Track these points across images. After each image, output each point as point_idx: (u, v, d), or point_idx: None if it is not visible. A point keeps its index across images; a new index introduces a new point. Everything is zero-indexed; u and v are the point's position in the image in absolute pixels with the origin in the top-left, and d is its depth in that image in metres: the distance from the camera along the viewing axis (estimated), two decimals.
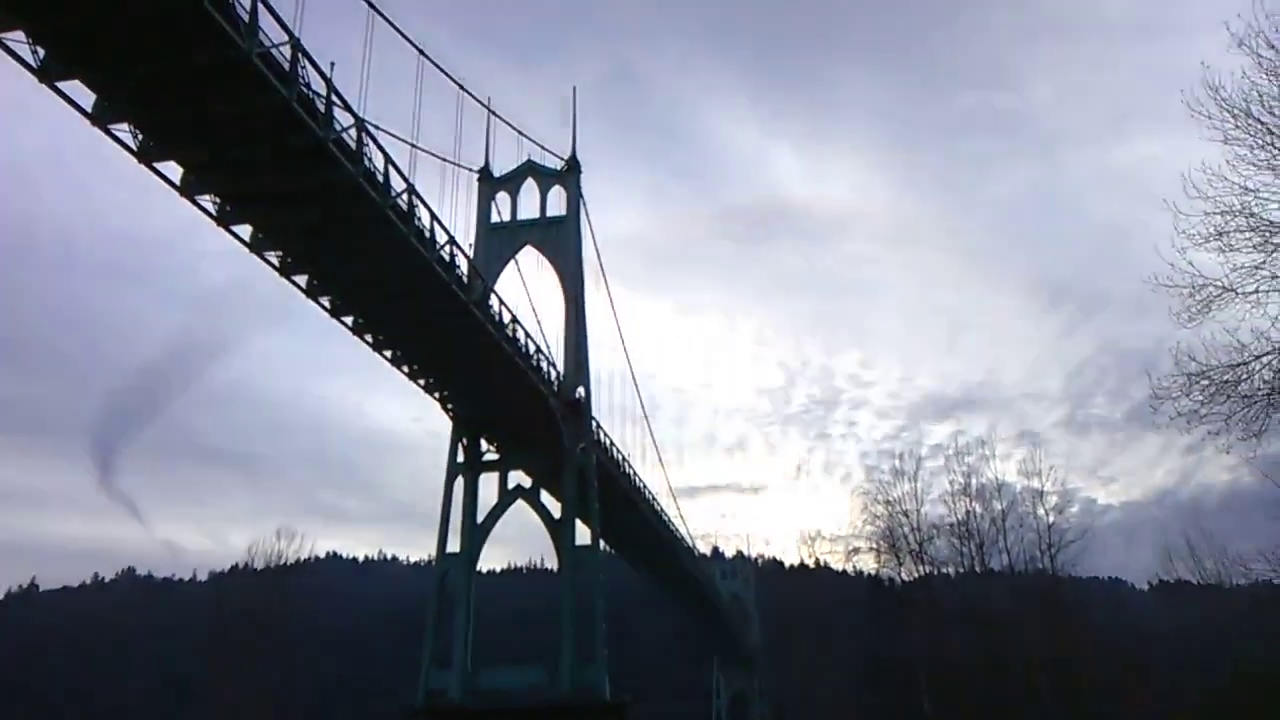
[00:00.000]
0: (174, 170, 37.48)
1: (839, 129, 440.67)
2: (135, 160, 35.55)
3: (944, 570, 60.80)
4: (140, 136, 35.29)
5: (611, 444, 75.81)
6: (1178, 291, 23.53)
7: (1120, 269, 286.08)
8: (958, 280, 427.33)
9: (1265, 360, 22.84)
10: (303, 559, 64.06)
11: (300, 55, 34.13)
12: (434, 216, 46.19)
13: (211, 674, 51.91)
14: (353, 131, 38.16)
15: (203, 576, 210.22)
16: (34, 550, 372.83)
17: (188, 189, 38.13)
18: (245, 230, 41.86)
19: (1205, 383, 23.15)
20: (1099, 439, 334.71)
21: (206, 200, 39.38)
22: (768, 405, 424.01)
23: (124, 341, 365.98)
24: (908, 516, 59.27)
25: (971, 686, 53.01)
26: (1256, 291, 23.03)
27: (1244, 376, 22.94)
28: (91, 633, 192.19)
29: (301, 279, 46.02)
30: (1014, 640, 55.89)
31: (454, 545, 65.20)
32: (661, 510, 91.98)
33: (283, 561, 56.14)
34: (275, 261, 44.09)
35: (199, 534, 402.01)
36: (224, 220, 40.35)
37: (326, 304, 48.30)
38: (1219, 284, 23.21)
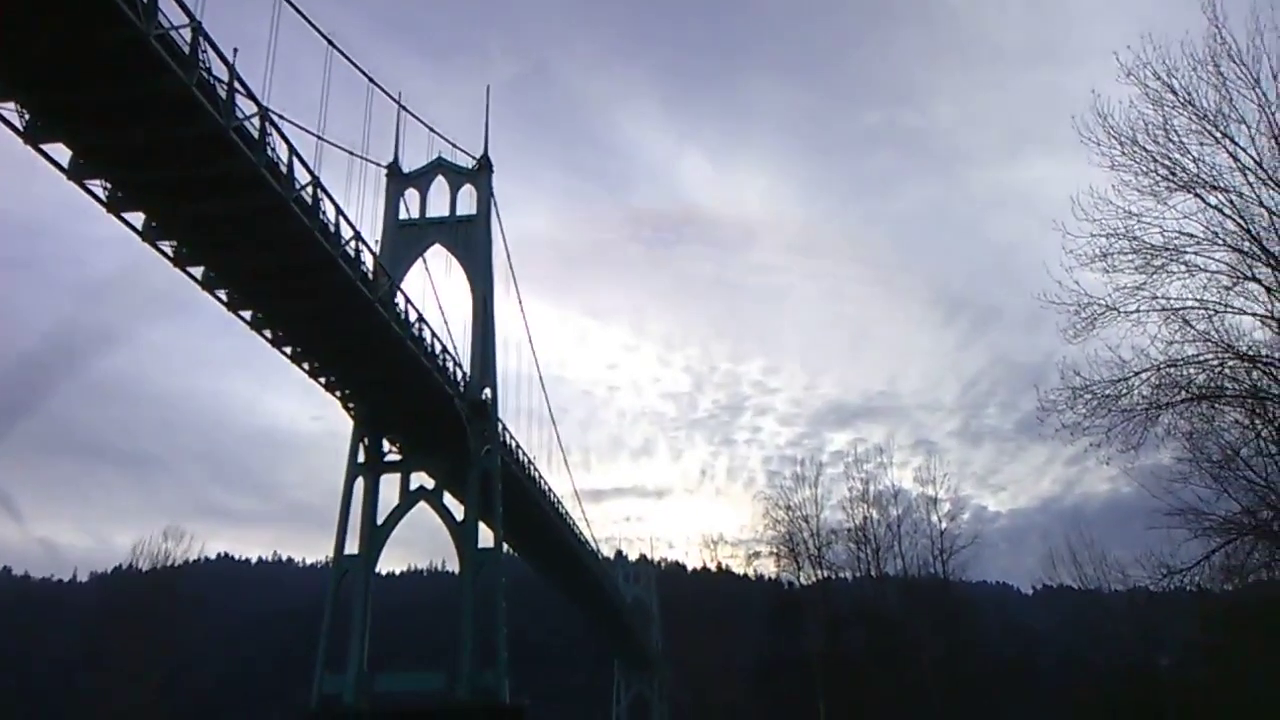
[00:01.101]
0: (63, 153, 35.83)
1: (750, 139, 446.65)
2: (21, 141, 33.85)
3: (841, 574, 62.60)
4: (27, 117, 33.63)
5: (517, 446, 75.30)
6: (1065, 309, 24.77)
7: (1013, 285, 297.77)
8: (861, 292, 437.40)
9: (1144, 376, 24.17)
10: (191, 560, 61.84)
11: (201, 39, 32.95)
12: (339, 211, 45.15)
13: (95, 677, 49.58)
14: (256, 120, 37.08)
15: (84, 577, 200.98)
16: None
17: (77, 173, 36.37)
18: (138, 218, 40.20)
19: (1088, 396, 24.36)
20: (990, 448, 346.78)
21: (97, 185, 37.71)
22: (674, 410, 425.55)
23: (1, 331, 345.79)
24: (807, 522, 60.84)
25: (865, 685, 54.50)
26: (1138, 311, 24.38)
27: (1124, 391, 24.23)
28: None
29: (197, 271, 44.28)
30: (906, 641, 57.85)
31: (352, 547, 63.74)
32: (566, 513, 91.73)
33: (170, 562, 54.09)
34: (170, 252, 42.41)
35: (81, 533, 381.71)
36: (115, 207, 38.63)
37: (224, 297, 46.66)
38: (1103, 303, 24.50)
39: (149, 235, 40.79)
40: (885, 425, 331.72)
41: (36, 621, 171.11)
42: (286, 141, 39.68)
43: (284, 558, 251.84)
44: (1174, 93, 23.67)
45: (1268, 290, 23.78)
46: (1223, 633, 31.14)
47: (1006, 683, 62.65)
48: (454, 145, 71.90)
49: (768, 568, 64.87)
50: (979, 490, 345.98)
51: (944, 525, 60.62)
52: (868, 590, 61.85)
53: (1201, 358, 24.04)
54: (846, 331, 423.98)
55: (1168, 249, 23.91)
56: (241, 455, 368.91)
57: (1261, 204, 23.45)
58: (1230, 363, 24.00)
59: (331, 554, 64.47)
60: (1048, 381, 25.63)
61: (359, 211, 54.56)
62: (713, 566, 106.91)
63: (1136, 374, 24.17)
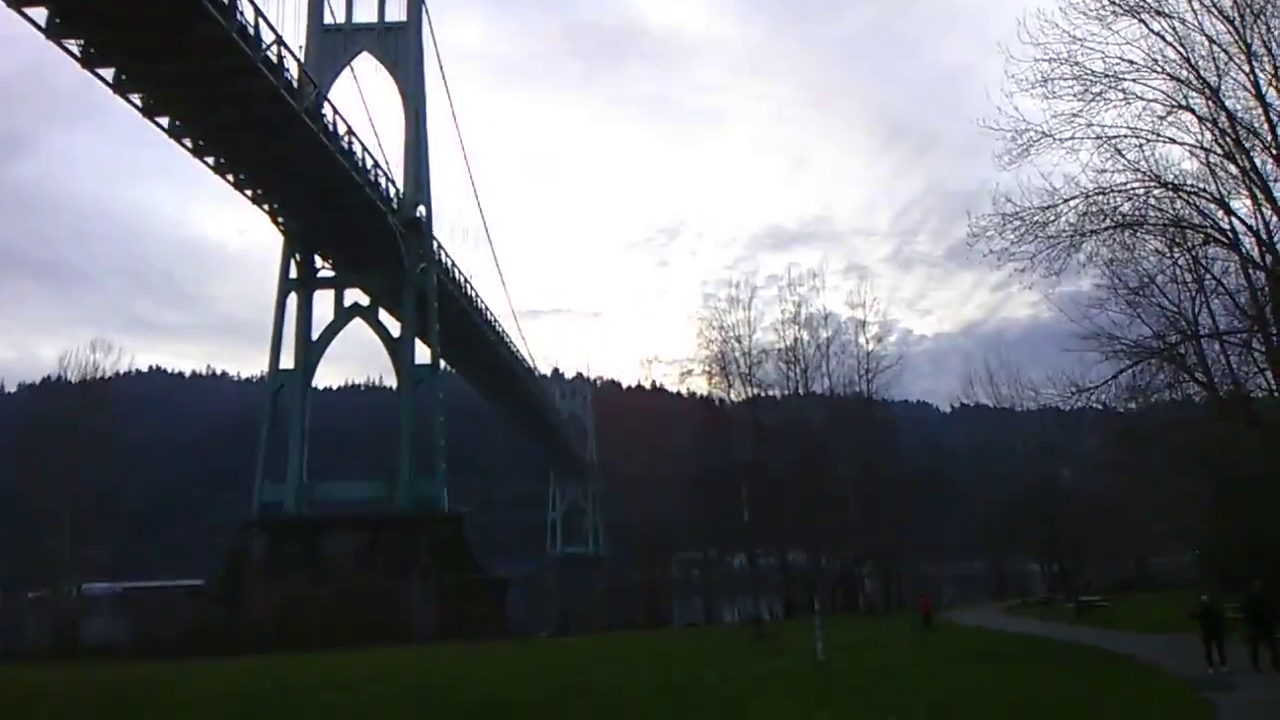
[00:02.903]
0: None
1: None
2: None
3: (770, 392, 64.74)
4: None
5: (452, 264, 74.49)
6: (1002, 135, 24.81)
7: (953, 111, 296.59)
8: (801, 115, 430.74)
9: (1072, 204, 24.67)
10: (122, 372, 61.17)
11: None
12: (259, 12, 42.35)
13: (28, 487, 49.65)
14: None
15: (11, 388, 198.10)
16: None
17: None
18: (40, 14, 37.14)
19: (1018, 223, 24.86)
20: (920, 274, 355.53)
21: None
22: (612, 230, 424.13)
23: None
24: (740, 342, 62.19)
25: (788, 494, 57.50)
26: (1072, 138, 24.59)
27: (1052, 219, 24.77)
28: None
29: (108, 73, 41.48)
30: (829, 454, 60.83)
31: (288, 362, 63.63)
32: (503, 331, 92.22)
33: (99, 374, 53.29)
34: (76, 51, 39.51)
35: (2, 345, 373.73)
36: (15, 1, 35.62)
37: (138, 102, 43.99)
38: (1040, 129, 24.61)
39: (53, 32, 37.83)
40: (820, 250, 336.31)
41: None
42: None
43: (218, 371, 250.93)
44: None
45: (1199, 120, 24.10)
46: (1121, 448, 33.27)
47: (920, 492, 66.68)
48: None
49: (700, 385, 66.80)
50: (906, 314, 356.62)
51: (870, 347, 62.73)
52: (795, 407, 64.29)
53: (1129, 186, 24.55)
54: (785, 155, 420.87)
55: (1108, 75, 23.90)
56: (166, 268, 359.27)
57: (1203, 31, 23.42)
58: (1156, 192, 24.58)
59: (267, 369, 64.41)
60: (980, 209, 26.15)
61: (279, 15, 50.89)
62: (647, 384, 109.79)
63: (1065, 201, 24.65)
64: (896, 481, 62.28)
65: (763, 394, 64.32)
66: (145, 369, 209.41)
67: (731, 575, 67.25)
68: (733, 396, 63.71)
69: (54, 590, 49.74)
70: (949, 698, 16.76)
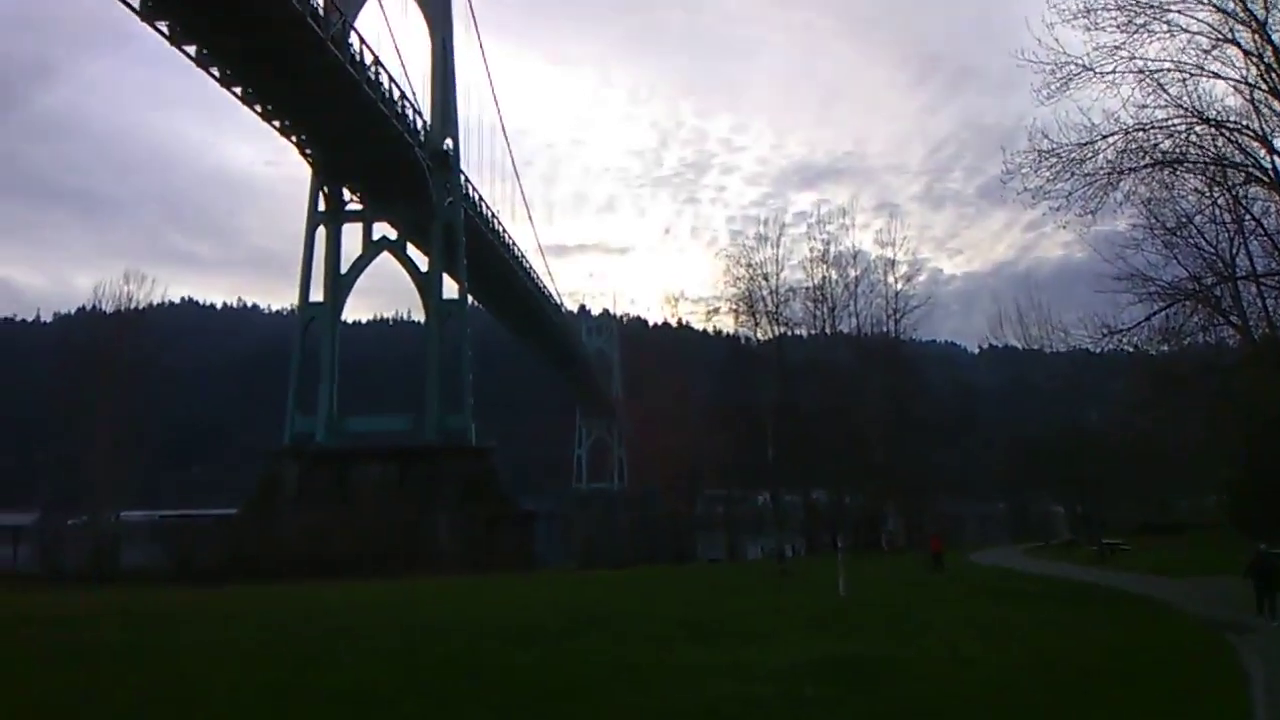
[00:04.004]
0: None
1: None
2: None
3: (797, 331, 64.46)
4: None
5: (480, 199, 74.26)
6: (1041, 68, 24.10)
7: (991, 44, 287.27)
8: (834, 47, 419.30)
9: (1111, 140, 24.00)
10: (155, 303, 61.96)
11: None
12: None
13: (64, 413, 50.81)
14: None
15: (47, 318, 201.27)
16: None
17: None
18: None
19: (1054, 160, 24.25)
20: (951, 212, 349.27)
21: None
22: (639, 166, 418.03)
23: None
24: (767, 280, 61.71)
25: (813, 433, 57.57)
26: (1113, 72, 23.82)
27: (1089, 155, 24.13)
28: None
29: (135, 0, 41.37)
30: (855, 393, 60.67)
31: (317, 295, 64.14)
32: (530, 267, 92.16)
33: (133, 304, 54.03)
34: None
35: (37, 274, 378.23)
36: None
37: (164, 29, 43.84)
38: (1080, 62, 23.85)
39: None
40: (850, 187, 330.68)
41: (4, 359, 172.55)
42: None
43: (248, 304, 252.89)
44: None
45: (1245, 54, 23.29)
46: (1151, 391, 32.89)
47: (946, 433, 66.51)
48: None
49: (726, 323, 66.59)
50: (936, 253, 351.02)
51: (899, 286, 62.06)
52: (821, 346, 64.04)
53: (1170, 122, 23.85)
54: (817, 89, 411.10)
55: (1152, 6, 23.08)
56: (197, 198, 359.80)
57: None
58: (1197, 128, 23.87)
59: (296, 301, 64.99)
60: (1015, 146, 25.55)
61: None
62: (673, 322, 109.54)
63: (1104, 138, 23.99)
64: (923, 421, 62.09)
65: (789, 333, 64.15)
66: (177, 300, 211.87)
67: (755, 513, 67.75)
68: (759, 335, 63.50)
69: (93, 517, 51.10)
70: (968, 635, 16.92)
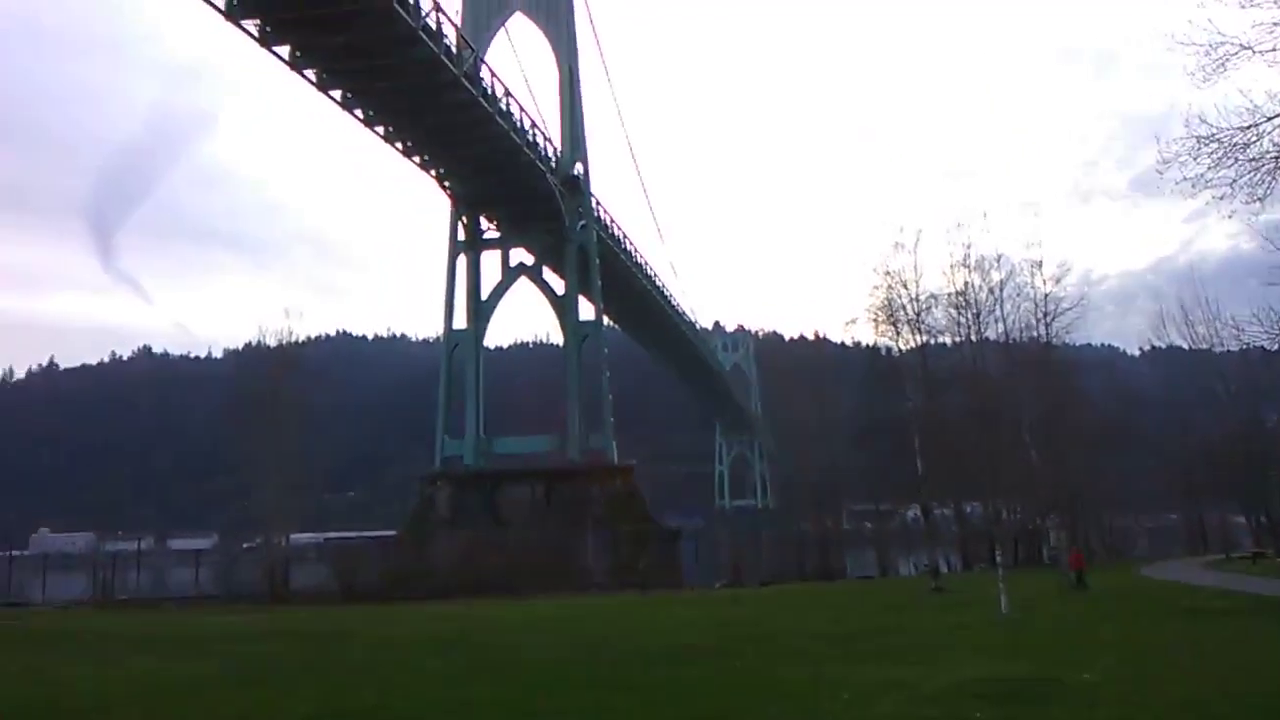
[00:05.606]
0: None
1: None
2: None
3: (940, 339, 62.22)
4: None
5: (611, 220, 75.42)
6: (1194, 50, 22.53)
7: (1134, 27, 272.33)
8: (969, 45, 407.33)
9: (1276, 122, 22.19)
10: (312, 336, 65.50)
11: None
12: None
13: (237, 444, 54.11)
14: None
15: (218, 354, 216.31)
16: (49, 330, 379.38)
17: None
18: None
19: (1214, 146, 22.54)
20: (1101, 207, 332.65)
21: None
22: (769, 177, 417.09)
23: (104, 116, 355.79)
24: (906, 288, 59.87)
25: (963, 444, 55.35)
26: (1275, 49, 22.05)
27: (1254, 139, 22.34)
28: (116, 408, 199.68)
29: (283, 50, 43.99)
30: (1006, 403, 57.98)
31: (460, 322, 66.39)
32: (662, 285, 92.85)
33: (294, 339, 57.11)
34: (254, 31, 42.01)
35: (206, 313, 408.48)
36: None
37: (311, 77, 46.47)
38: (1237, 41, 22.19)
39: (232, 15, 40.32)
40: (989, 187, 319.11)
41: (181, 393, 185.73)
42: None
43: (397, 333, 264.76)
44: None
45: None
46: None
47: (1108, 440, 62.75)
48: None
49: (866, 334, 65.13)
50: (1087, 252, 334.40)
51: (1048, 288, 59.08)
52: (968, 354, 61.66)
53: None
54: (950, 89, 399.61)
55: None
56: (345, 236, 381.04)
57: None
58: None
59: (441, 329, 67.39)
60: (1169, 133, 23.91)
61: None
62: (809, 334, 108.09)
63: (1269, 119, 22.16)
64: (1081, 429, 58.79)
65: (932, 341, 61.95)
66: (332, 333, 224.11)
67: (905, 528, 65.66)
68: (901, 345, 61.68)
69: (266, 540, 54.10)
70: (1150, 653, 15.77)
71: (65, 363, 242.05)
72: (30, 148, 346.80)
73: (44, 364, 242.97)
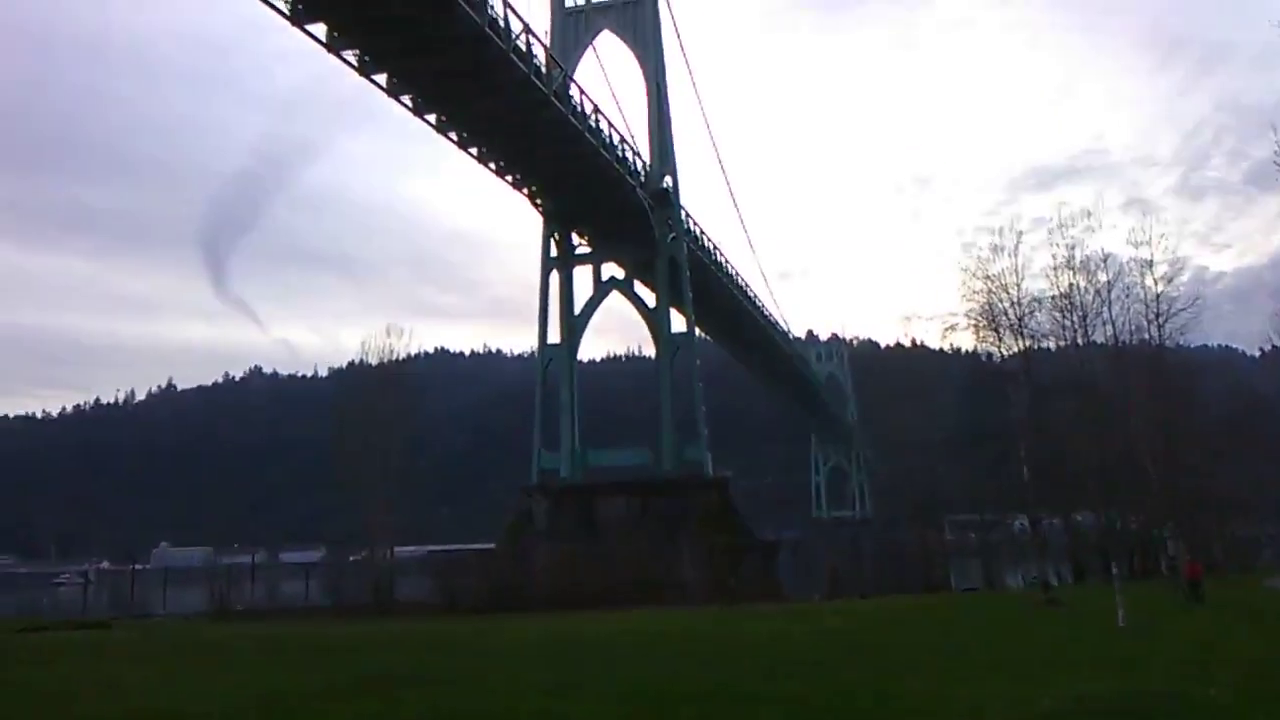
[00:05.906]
0: None
1: None
2: None
3: (1045, 344, 59.99)
4: None
5: (701, 232, 75.41)
6: None
7: (1245, 15, 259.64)
8: (1062, 39, 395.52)
9: None
10: (412, 354, 67.04)
11: None
12: (507, 3, 44.60)
13: (343, 459, 55.68)
14: None
15: (323, 373, 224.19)
16: (166, 353, 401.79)
17: None
18: (320, 29, 41.22)
19: None
20: (1213, 202, 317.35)
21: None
22: (861, 184, 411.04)
23: (214, 148, 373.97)
24: (1007, 291, 57.85)
25: (1072, 454, 53.28)
26: None
27: None
28: (230, 427, 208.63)
29: (380, 77, 45.49)
30: (1117, 410, 55.53)
31: (554, 337, 67.26)
32: (754, 295, 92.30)
33: (395, 356, 58.64)
34: (353, 61, 43.53)
35: (311, 333, 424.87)
36: (297, 20, 39.71)
37: (407, 102, 47.89)
38: None
39: (332, 45, 41.84)
40: (1092, 186, 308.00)
41: (290, 411, 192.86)
42: None
43: (493, 349, 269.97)
44: None
45: None
46: None
47: (1229, 446, 59.45)
48: None
49: (965, 340, 63.23)
50: (1199, 249, 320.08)
51: (1159, 288, 56.28)
52: (1074, 359, 59.35)
53: None
54: (1045, 86, 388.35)
55: None
56: (442, 255, 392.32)
57: None
58: None
59: (536, 344, 68.37)
60: None
61: (525, 2, 53.50)
62: (906, 342, 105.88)
63: None
64: (1199, 435, 55.89)
65: (1036, 346, 59.70)
66: (431, 350, 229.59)
67: (1012, 538, 63.43)
68: (1003, 350, 59.63)
69: (371, 552, 55.56)
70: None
71: (182, 384, 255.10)
72: (148, 181, 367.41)
73: (163, 386, 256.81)
